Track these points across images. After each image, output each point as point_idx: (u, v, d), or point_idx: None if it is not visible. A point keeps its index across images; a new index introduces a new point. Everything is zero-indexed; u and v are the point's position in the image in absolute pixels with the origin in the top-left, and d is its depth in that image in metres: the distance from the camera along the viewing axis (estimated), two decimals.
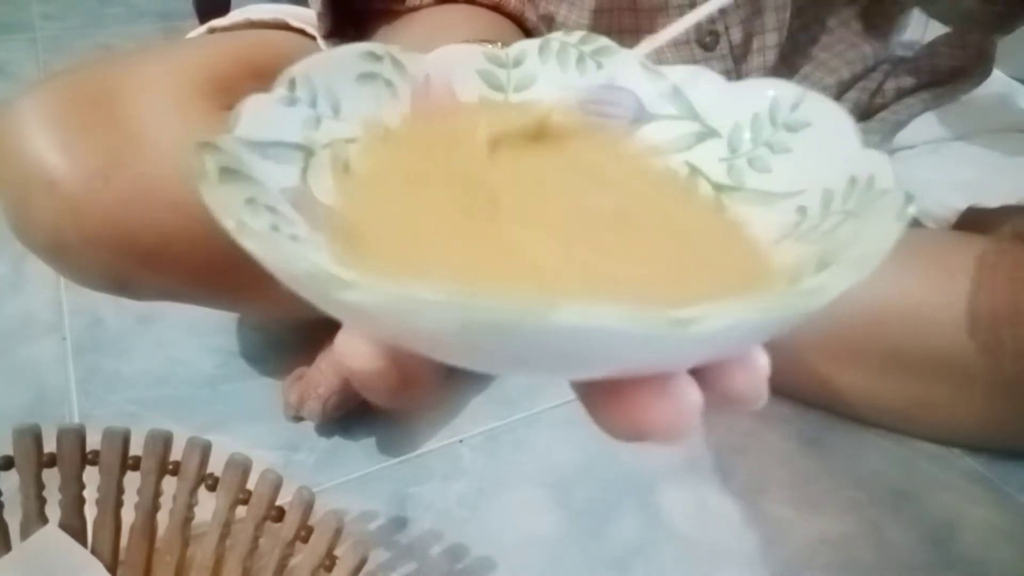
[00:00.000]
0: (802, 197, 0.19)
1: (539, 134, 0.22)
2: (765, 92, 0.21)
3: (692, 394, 0.14)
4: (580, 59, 0.23)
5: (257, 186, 0.16)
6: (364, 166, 0.19)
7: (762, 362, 0.15)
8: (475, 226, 0.18)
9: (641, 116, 0.22)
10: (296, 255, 0.13)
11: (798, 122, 0.20)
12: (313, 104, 0.19)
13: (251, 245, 0.13)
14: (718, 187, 0.21)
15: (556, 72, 0.23)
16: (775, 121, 0.20)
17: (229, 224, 0.13)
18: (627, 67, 0.23)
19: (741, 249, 0.19)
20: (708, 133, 0.22)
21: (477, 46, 0.23)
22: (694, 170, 0.21)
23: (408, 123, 0.21)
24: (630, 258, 0.18)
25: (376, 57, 0.21)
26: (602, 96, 0.23)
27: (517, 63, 0.23)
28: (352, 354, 0.14)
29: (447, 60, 0.22)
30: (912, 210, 0.15)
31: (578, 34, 0.23)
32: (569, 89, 0.23)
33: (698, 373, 0.14)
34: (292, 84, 0.19)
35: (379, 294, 0.11)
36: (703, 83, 0.22)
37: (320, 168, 0.18)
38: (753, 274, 0.17)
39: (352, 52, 0.20)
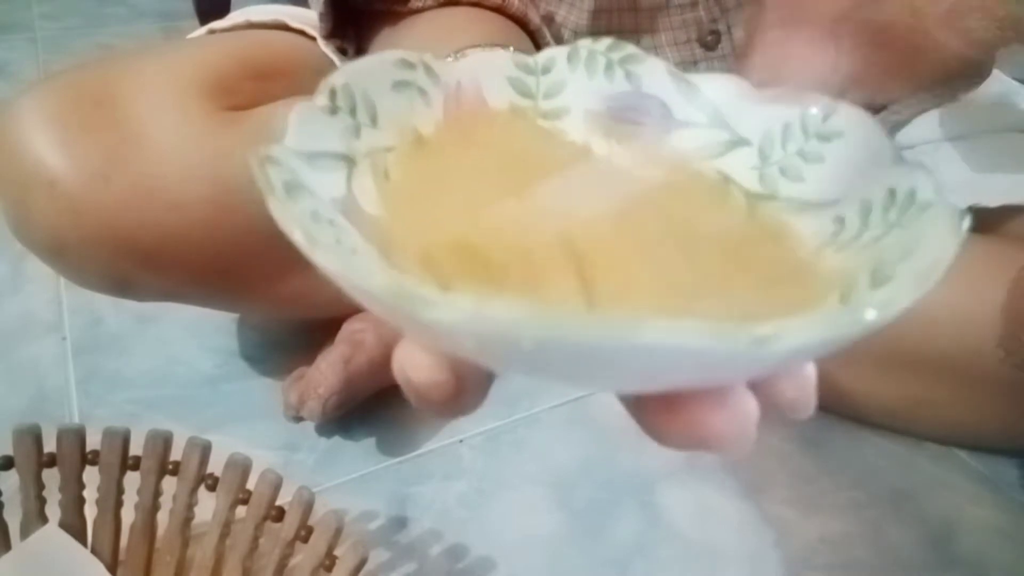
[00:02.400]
0: (839, 207, 0.19)
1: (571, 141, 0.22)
2: (796, 101, 0.21)
3: (750, 404, 0.14)
4: (608, 66, 0.23)
5: (317, 199, 0.16)
6: (404, 175, 0.20)
7: (809, 371, 0.15)
8: (515, 237, 0.18)
9: (670, 124, 0.22)
10: (372, 271, 0.13)
11: (831, 132, 0.20)
12: (353, 113, 0.19)
13: (325, 260, 0.13)
14: (751, 195, 0.21)
15: (584, 79, 0.23)
16: (807, 130, 0.20)
17: (300, 240, 0.13)
18: (655, 74, 0.23)
19: (782, 258, 0.18)
20: (738, 141, 0.21)
21: (506, 52, 0.23)
22: (725, 178, 0.21)
23: (442, 131, 0.21)
24: (676, 268, 0.18)
25: (409, 65, 0.21)
26: (631, 103, 0.23)
27: (546, 70, 0.23)
28: (413, 366, 0.14)
29: (477, 67, 0.22)
30: (966, 225, 0.15)
31: (606, 41, 0.23)
32: (598, 96, 0.23)
33: (751, 383, 0.14)
34: (332, 93, 0.19)
35: (463, 312, 0.11)
36: (732, 91, 0.22)
37: (363, 178, 0.19)
38: (800, 285, 0.17)
39: (386, 60, 0.20)
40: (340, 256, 0.13)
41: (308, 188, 0.16)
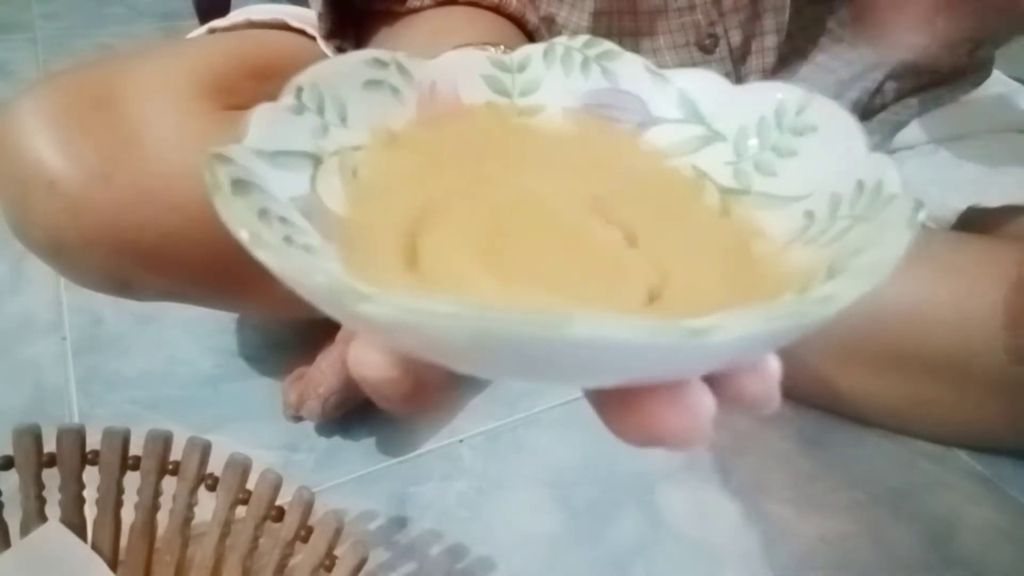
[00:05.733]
0: (809, 201, 0.19)
1: (546, 138, 0.22)
2: (770, 95, 0.21)
3: (705, 400, 0.14)
4: (585, 63, 0.23)
5: (269, 197, 0.16)
6: (372, 174, 0.19)
7: (773, 367, 0.15)
8: (482, 233, 0.18)
9: (646, 120, 0.22)
10: (312, 268, 0.13)
11: (804, 126, 0.20)
12: (320, 112, 0.19)
13: (266, 257, 0.13)
14: (725, 191, 0.21)
15: (561, 76, 0.23)
16: (781, 125, 0.20)
17: (243, 236, 0.13)
18: (632, 71, 0.23)
19: (750, 253, 0.18)
20: (713, 137, 0.22)
21: (481, 51, 0.23)
22: (700, 174, 0.21)
23: (414, 129, 0.21)
24: (639, 264, 0.18)
25: (382, 64, 0.21)
26: (607, 100, 0.23)
27: (522, 68, 0.23)
28: (366, 363, 0.15)
29: (452, 65, 0.22)
30: (922, 217, 0.15)
31: (582, 38, 0.23)
32: (574, 93, 0.23)
33: (710, 378, 0.14)
34: (299, 92, 0.19)
35: (396, 307, 0.11)
36: (708, 86, 0.22)
37: (329, 176, 0.18)
38: (763, 280, 0.17)
39: (358, 59, 0.20)
40: (280, 253, 0.13)
41: (261, 186, 0.16)
